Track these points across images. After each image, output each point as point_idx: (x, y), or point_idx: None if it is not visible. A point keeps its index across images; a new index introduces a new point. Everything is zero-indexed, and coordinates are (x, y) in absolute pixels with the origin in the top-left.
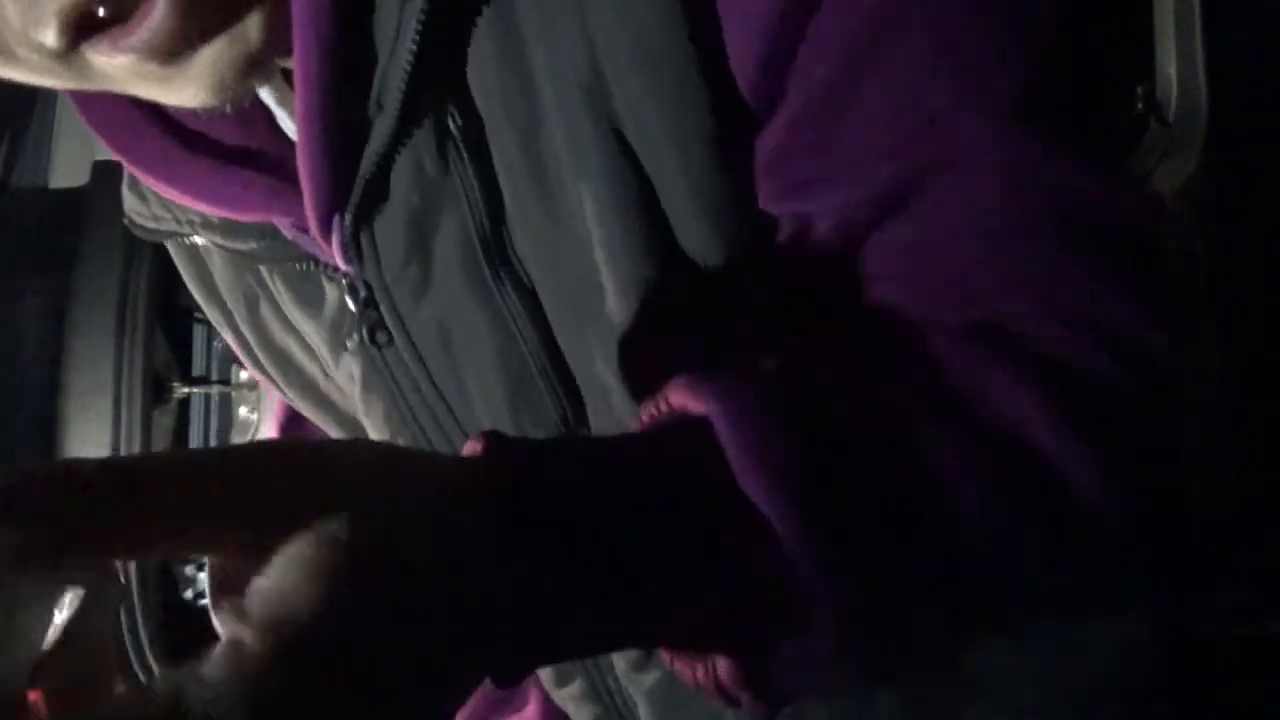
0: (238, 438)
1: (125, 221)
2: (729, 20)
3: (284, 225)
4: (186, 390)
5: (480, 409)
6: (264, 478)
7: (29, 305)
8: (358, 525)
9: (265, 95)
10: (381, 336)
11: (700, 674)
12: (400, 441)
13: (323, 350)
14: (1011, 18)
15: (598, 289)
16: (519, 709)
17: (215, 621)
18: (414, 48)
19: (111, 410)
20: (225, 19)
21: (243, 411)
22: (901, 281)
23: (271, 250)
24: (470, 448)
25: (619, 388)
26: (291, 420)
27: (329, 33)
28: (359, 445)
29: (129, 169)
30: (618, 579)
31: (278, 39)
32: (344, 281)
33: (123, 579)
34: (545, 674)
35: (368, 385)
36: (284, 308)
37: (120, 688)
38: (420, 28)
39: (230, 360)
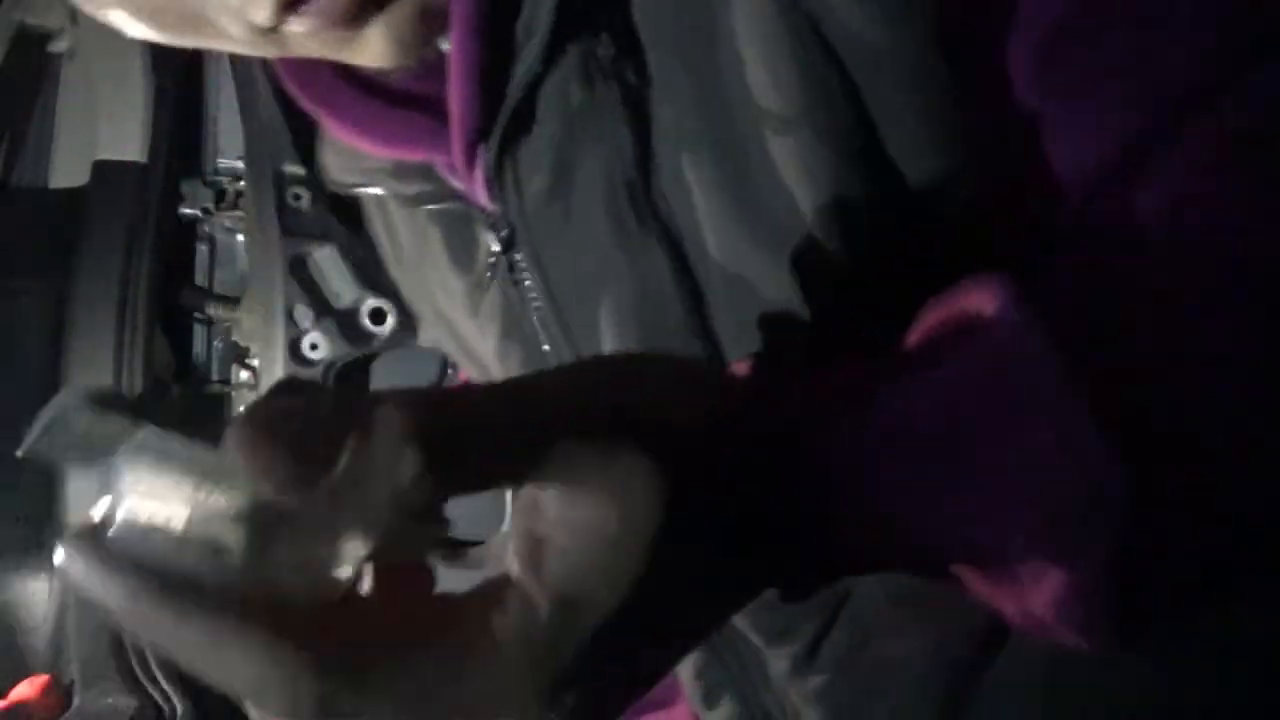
0: None
1: (320, 175)
2: None
3: (441, 165)
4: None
5: None
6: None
7: (29, 305)
8: (661, 500)
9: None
10: (524, 278)
11: (1016, 600)
12: None
13: (463, 303)
14: None
15: (774, 227)
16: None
17: (509, 547)
18: None
19: None
20: None
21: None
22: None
23: (434, 193)
24: (741, 369)
25: (806, 314)
26: None
27: None
28: (662, 362)
29: (309, 108)
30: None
31: None
32: (488, 221)
33: None
34: (693, 692)
35: (507, 332)
36: (437, 264)
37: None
38: None
39: (230, 360)
